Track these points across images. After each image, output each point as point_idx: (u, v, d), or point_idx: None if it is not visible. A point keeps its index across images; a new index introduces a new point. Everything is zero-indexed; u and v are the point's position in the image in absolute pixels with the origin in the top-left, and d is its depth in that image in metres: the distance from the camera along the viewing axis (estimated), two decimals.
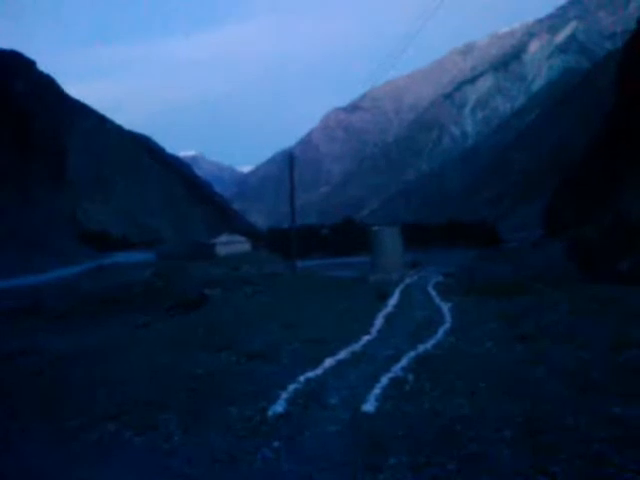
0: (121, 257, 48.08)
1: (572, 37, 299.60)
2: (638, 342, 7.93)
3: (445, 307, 12.61)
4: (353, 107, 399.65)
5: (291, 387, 6.43)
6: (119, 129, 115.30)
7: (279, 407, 5.80)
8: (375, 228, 23.77)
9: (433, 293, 15.50)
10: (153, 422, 5.63)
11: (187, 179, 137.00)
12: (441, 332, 9.67)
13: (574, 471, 4.11)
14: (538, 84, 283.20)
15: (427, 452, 4.56)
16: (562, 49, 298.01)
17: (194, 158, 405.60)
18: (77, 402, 6.49)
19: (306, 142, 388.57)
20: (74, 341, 11.39)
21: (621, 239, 23.57)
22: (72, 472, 4.68)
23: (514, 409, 5.41)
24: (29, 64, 79.28)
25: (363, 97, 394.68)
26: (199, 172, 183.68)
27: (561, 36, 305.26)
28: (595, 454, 4.34)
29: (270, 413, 5.65)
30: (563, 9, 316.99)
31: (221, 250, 35.08)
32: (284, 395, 6.15)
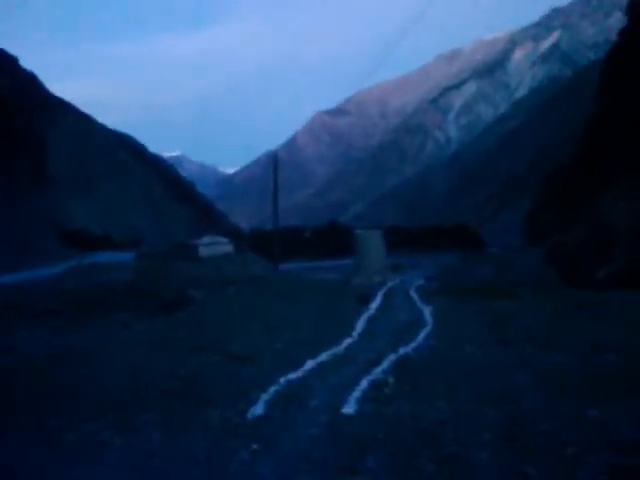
0: (103, 256, 47.56)
1: (555, 46, 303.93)
2: (614, 346, 8.06)
3: (427, 310, 12.67)
4: (339, 111, 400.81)
5: (271, 389, 6.42)
6: (102, 128, 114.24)
7: (259, 409, 5.79)
8: (358, 231, 23.83)
9: (415, 296, 15.58)
10: (133, 423, 5.58)
11: (170, 179, 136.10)
12: (422, 335, 9.73)
13: (550, 473, 4.17)
14: (521, 91, 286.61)
15: (406, 454, 4.58)
16: (545, 58, 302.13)
17: (178, 158, 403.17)
18: (56, 402, 6.40)
19: (291, 145, 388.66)
20: (55, 341, 11.23)
21: (600, 246, 23.90)
22: (50, 472, 4.63)
23: (493, 413, 5.46)
24: (12, 60, 78.30)
25: (349, 101, 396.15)
26: (183, 172, 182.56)
27: (545, 45, 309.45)
28: (571, 456, 4.40)
29: (250, 415, 5.63)
30: (547, 18, 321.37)
31: (204, 251, 34.87)
32: (264, 397, 6.14)
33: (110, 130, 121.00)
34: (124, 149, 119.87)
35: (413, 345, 8.86)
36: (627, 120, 33.03)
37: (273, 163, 36.08)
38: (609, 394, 5.92)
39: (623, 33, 41.03)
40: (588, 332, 9.31)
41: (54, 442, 5.23)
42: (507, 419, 5.25)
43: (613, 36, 47.74)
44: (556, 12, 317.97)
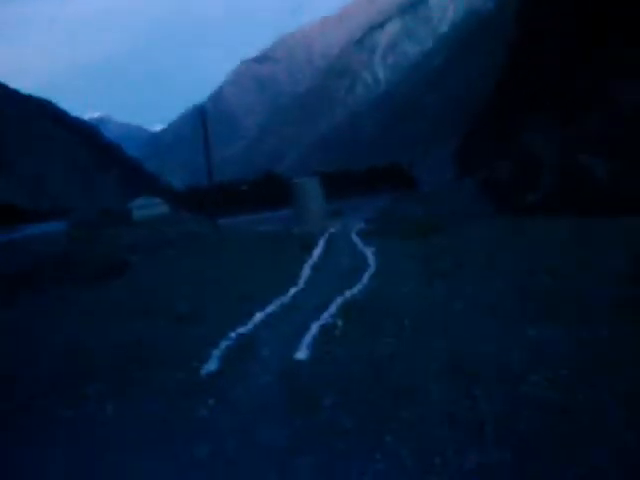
0: (31, 229, 45.38)
1: None
2: (546, 268, 8.51)
3: (368, 252, 12.91)
4: (264, 57, 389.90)
5: (223, 344, 6.43)
6: (15, 93, 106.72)
7: (212, 365, 5.80)
8: (295, 181, 23.71)
9: (356, 239, 15.81)
10: (83, 394, 5.46)
11: (94, 142, 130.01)
12: (366, 277, 9.92)
13: (495, 393, 4.42)
14: (445, 26, 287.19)
15: (360, 391, 4.73)
16: None
17: (101, 120, 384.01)
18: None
19: (218, 96, 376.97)
20: None
21: (527, 174, 24.86)
22: (5, 457, 4.51)
23: (437, 343, 5.70)
24: None
25: (274, 47, 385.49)
26: (107, 134, 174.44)
27: None
28: (513, 376, 4.68)
29: (203, 372, 5.64)
30: None
31: (138, 214, 33.82)
32: (216, 353, 6.15)
33: (25, 95, 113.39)
34: (43, 115, 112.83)
35: (358, 287, 9.04)
36: (544, 49, 33.85)
37: (201, 117, 34.96)
38: (545, 314, 6.28)
39: None
40: (521, 256, 9.79)
41: (3, 427, 5.07)
42: (451, 348, 5.50)
43: None
44: None
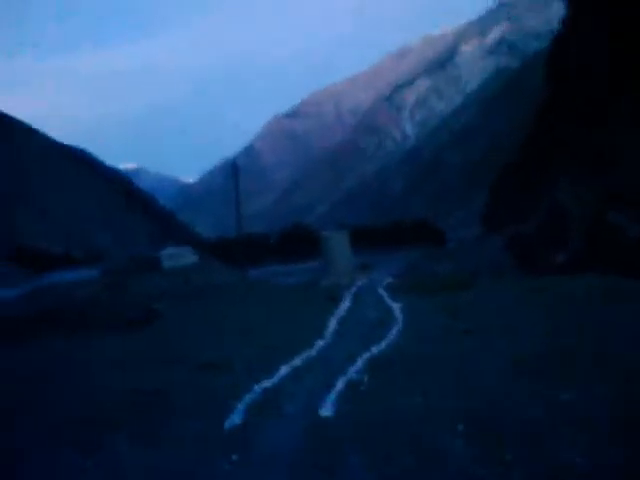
0: (62, 276, 46.32)
1: (501, 39, 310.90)
2: (573, 329, 8.31)
3: (396, 307, 12.79)
4: (294, 113, 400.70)
5: (247, 397, 6.37)
6: (49, 141, 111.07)
7: (235, 418, 5.73)
8: (324, 233, 23.87)
9: (383, 294, 15.71)
10: (101, 442, 5.42)
11: (128, 191, 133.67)
12: (393, 332, 9.81)
13: (527, 458, 4.26)
14: (473, 84, 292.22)
15: (385, 451, 4.61)
16: (493, 50, 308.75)
17: (136, 171, 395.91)
18: (14, 424, 6.17)
19: (249, 150, 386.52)
20: (5, 363, 10.81)
21: (556, 233, 24.61)
22: None
23: (466, 404, 5.55)
24: None
25: (303, 103, 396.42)
26: (141, 184, 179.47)
27: (491, 38, 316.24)
28: (545, 441, 4.51)
29: (226, 425, 5.58)
30: (492, 12, 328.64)
31: (168, 263, 34.30)
32: (240, 406, 6.09)
33: (59, 144, 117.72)
34: (77, 163, 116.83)
35: (385, 342, 8.93)
36: (573, 107, 34.11)
37: (233, 172, 35.85)
38: (577, 376, 6.09)
39: (564, 22, 42.45)
40: (545, 317, 9.59)
41: (20, 468, 5.05)
42: (479, 409, 5.35)
43: (555, 25, 49.34)
44: (501, 5, 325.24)
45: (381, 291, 16.47)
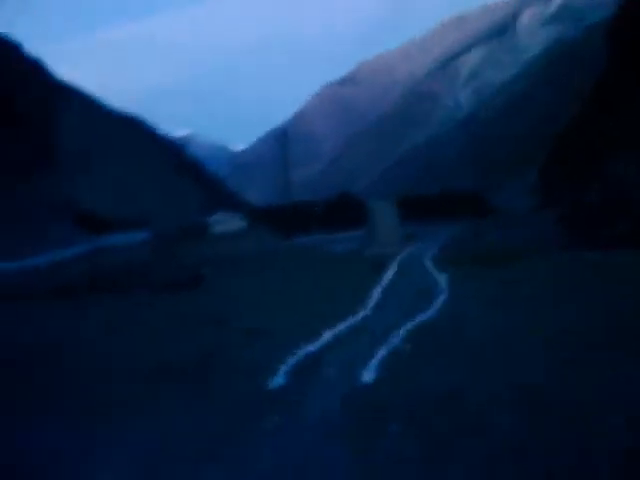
0: (117, 238, 47.87)
1: (565, 6, 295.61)
2: (623, 306, 8.03)
3: (441, 278, 12.67)
4: (346, 80, 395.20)
5: (291, 361, 6.48)
6: (108, 109, 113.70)
7: (279, 380, 5.86)
8: (370, 202, 23.75)
9: (429, 264, 15.57)
10: (159, 394, 5.72)
11: (180, 159, 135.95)
12: (438, 302, 9.74)
13: (565, 434, 4.18)
14: (530, 54, 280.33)
15: (424, 421, 4.62)
16: (554, 18, 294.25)
17: (187, 138, 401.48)
18: (91, 375, 6.58)
19: (299, 118, 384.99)
20: (74, 320, 11.38)
21: (616, 203, 23.59)
22: (85, 449, 4.72)
23: (512, 376, 5.48)
24: (15, 47, 77.91)
25: (355, 70, 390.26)
26: (193, 151, 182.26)
27: (554, 4, 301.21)
28: (585, 419, 4.41)
29: (270, 386, 5.71)
30: None
31: (217, 228, 34.96)
32: (284, 368, 6.21)
33: (117, 111, 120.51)
34: (132, 130, 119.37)
35: (430, 312, 8.89)
36: (632, 79, 32.30)
37: (282, 140, 35.84)
38: (631, 350, 5.91)
39: None
40: (596, 292, 9.29)
41: (86, 425, 5.33)
42: (525, 382, 5.27)
43: None
44: None
45: (427, 262, 16.32)
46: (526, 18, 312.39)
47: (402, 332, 7.50)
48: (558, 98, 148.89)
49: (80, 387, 6.33)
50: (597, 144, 35.70)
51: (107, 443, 4.67)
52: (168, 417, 5.17)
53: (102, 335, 9.26)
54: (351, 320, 8.62)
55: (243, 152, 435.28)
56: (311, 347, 7.03)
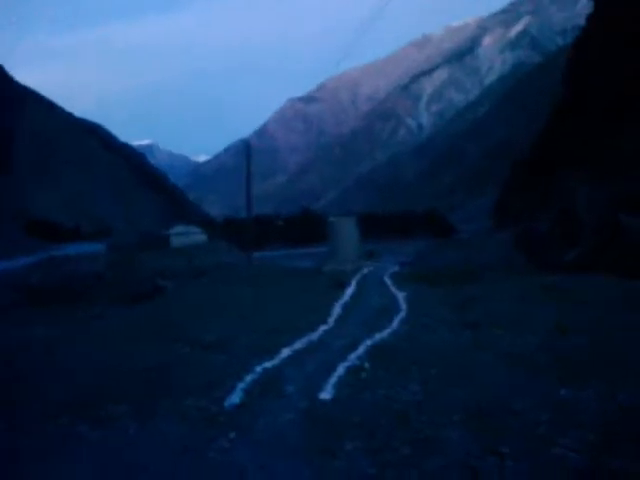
0: (71, 248, 46.67)
1: (525, 32, 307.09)
2: (579, 327, 8.29)
3: (400, 296, 12.81)
4: (309, 98, 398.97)
5: (248, 377, 6.42)
6: (69, 116, 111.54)
7: (235, 397, 5.79)
8: (332, 219, 23.88)
9: (389, 282, 15.72)
10: (107, 415, 5.51)
11: (140, 168, 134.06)
12: (396, 320, 9.83)
13: (522, 451, 4.28)
14: (492, 77, 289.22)
15: (382, 437, 4.65)
16: (515, 44, 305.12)
17: (149, 147, 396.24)
18: (24, 395, 6.29)
19: (262, 132, 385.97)
20: (21, 333, 11.01)
21: (567, 232, 24.46)
22: (25, 469, 4.56)
23: (464, 394, 5.58)
24: None
25: (319, 88, 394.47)
26: (154, 161, 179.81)
27: (514, 31, 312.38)
28: (541, 435, 4.53)
29: (226, 404, 5.63)
30: (516, 4, 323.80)
31: (176, 241, 34.51)
32: (240, 385, 6.14)
33: (77, 119, 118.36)
34: (93, 138, 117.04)
35: (388, 330, 8.96)
36: (592, 106, 33.69)
37: (246, 152, 35.82)
38: (577, 374, 6.09)
39: (590, 19, 41.71)
40: (552, 314, 9.55)
41: (26, 436, 5.15)
42: (477, 400, 5.37)
43: (581, 22, 48.48)
44: None
45: (387, 279, 16.49)
46: (487, 42, 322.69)
47: (361, 349, 7.54)
48: (517, 121, 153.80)
49: (9, 403, 6.05)
50: (552, 171, 36.99)
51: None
52: (119, 436, 5.03)
53: (42, 349, 8.91)
54: (311, 336, 8.61)
55: (204, 163, 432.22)
56: (268, 363, 6.99)
